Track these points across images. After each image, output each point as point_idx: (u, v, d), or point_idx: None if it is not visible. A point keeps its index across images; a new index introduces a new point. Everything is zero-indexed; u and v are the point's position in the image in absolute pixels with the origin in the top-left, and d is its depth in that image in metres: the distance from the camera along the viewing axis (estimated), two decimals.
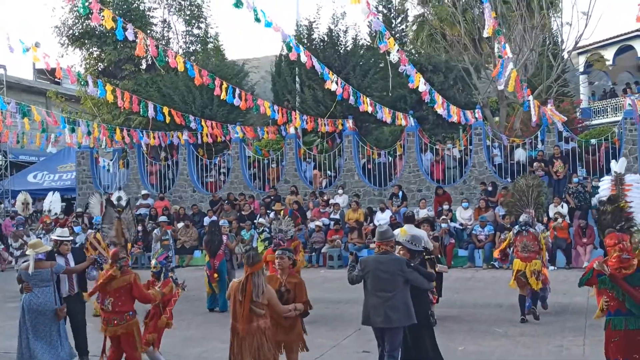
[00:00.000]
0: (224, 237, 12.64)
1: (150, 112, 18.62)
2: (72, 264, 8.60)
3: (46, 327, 7.90)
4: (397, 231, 11.01)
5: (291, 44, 14.05)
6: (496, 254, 11.90)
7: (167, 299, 8.27)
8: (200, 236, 18.56)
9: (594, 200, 16.90)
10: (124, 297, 7.46)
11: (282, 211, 17.13)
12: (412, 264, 7.23)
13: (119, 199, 14.85)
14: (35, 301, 7.85)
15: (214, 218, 18.66)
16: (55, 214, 18.28)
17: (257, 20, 12.74)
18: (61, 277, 8.41)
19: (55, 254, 8.44)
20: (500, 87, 15.11)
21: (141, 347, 7.71)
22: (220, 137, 22.26)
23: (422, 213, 17.85)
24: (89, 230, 13.83)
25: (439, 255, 11.48)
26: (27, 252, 8.20)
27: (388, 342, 6.94)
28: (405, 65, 13.92)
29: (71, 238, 9.03)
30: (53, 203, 18.19)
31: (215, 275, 12.03)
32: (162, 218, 17.28)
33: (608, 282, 6.41)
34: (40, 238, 13.19)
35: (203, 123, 20.76)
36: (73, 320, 8.60)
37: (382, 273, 6.88)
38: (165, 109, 19.18)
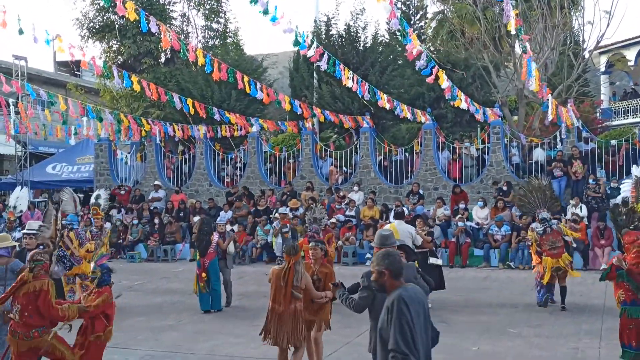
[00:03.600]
0: (215, 236, 11.97)
1: (177, 104, 18.77)
2: None
3: None
4: (386, 227, 11.24)
5: (299, 39, 14.01)
6: (537, 260, 11.67)
7: (100, 311, 6.93)
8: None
9: (613, 202, 16.81)
10: (31, 307, 6.33)
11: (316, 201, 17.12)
12: (420, 271, 6.66)
13: (98, 197, 14.16)
14: None
15: (227, 214, 18.70)
16: (21, 211, 17.40)
17: (266, 12, 12.70)
18: None
19: (26, 251, 7.79)
20: (531, 88, 14.96)
21: (71, 356, 6.67)
22: (237, 132, 22.33)
23: (439, 212, 17.86)
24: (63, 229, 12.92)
25: (433, 249, 12.04)
26: None
27: None
28: (421, 61, 13.86)
29: (38, 232, 8.15)
30: (20, 199, 17.09)
31: (204, 274, 11.52)
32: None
33: (625, 275, 7.08)
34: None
35: (228, 114, 20.86)
36: None
37: None
38: (190, 101, 19.33)
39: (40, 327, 6.39)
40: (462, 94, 16.62)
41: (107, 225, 16.94)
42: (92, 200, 13.57)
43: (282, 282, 7.06)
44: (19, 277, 6.53)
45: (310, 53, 14.48)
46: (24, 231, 8.13)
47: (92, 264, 7.54)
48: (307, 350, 7.52)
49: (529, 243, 12.39)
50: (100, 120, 20.80)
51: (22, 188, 17.52)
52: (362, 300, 5.79)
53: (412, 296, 4.38)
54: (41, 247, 7.73)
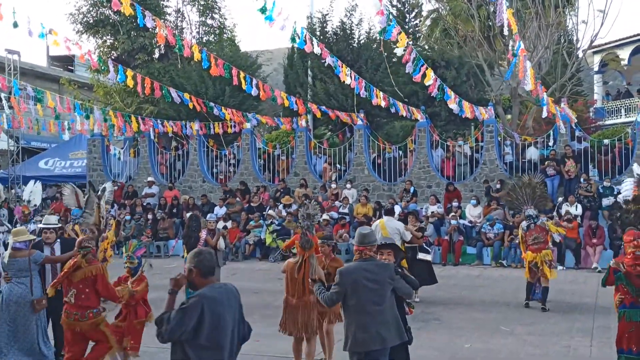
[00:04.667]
0: (204, 232, 11.70)
1: (175, 97, 18.72)
2: (58, 254, 8.01)
3: (25, 320, 7.42)
4: (376, 223, 11.33)
5: (296, 37, 13.98)
6: (525, 255, 11.74)
7: (140, 297, 7.72)
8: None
9: (605, 201, 16.90)
10: (87, 290, 6.91)
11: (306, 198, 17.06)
12: (399, 270, 6.33)
13: (104, 190, 14.47)
14: (14, 292, 7.40)
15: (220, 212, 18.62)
16: (35, 205, 17.65)
17: (263, 11, 12.60)
18: (46, 267, 7.93)
19: (43, 244, 8.01)
20: (528, 88, 14.95)
21: (115, 343, 7.21)
22: (231, 129, 22.29)
23: (432, 210, 17.90)
24: (68, 223, 12.85)
25: (423, 245, 12.20)
26: (8, 240, 7.76)
27: None
28: (409, 63, 13.86)
29: (56, 226, 8.41)
30: (33, 193, 17.23)
31: None
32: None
33: (623, 278, 6.82)
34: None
35: (224, 110, 20.81)
36: (54, 314, 7.91)
37: (369, 282, 5.75)
38: (187, 95, 19.26)
39: (95, 309, 6.96)
40: (453, 92, 16.61)
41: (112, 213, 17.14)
42: (99, 193, 13.84)
43: (297, 274, 7.39)
44: (72, 262, 6.95)
45: (317, 50, 14.45)
46: (42, 225, 8.31)
47: (126, 254, 8.16)
48: (319, 340, 7.87)
49: (517, 241, 12.58)
50: (87, 117, 20.77)
51: (35, 182, 17.82)
52: (333, 295, 5.91)
53: (215, 296, 4.47)
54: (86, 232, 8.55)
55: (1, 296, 7.57)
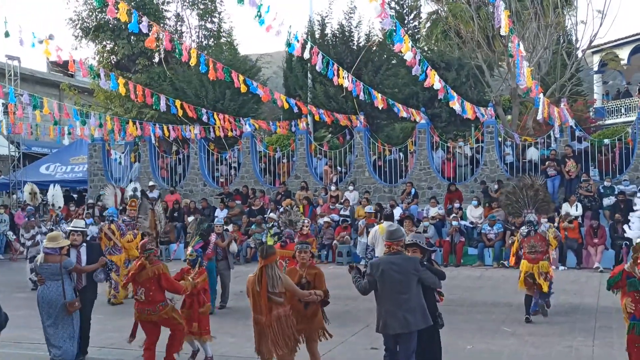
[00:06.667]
0: (213, 236, 11.79)
1: (162, 106, 18.70)
2: (84, 257, 8.42)
3: (62, 318, 7.84)
4: (375, 228, 11.27)
5: (290, 42, 13.98)
6: (512, 262, 11.67)
7: (201, 287, 8.59)
8: None
9: (606, 201, 16.91)
10: (154, 287, 7.59)
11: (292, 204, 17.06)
12: (424, 263, 6.81)
13: (135, 190, 15.16)
14: (47, 294, 7.79)
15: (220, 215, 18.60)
16: (59, 207, 18.04)
17: (259, 16, 12.58)
18: None
19: (70, 246, 8.35)
20: (522, 86, 14.90)
21: (184, 325, 7.91)
22: (231, 132, 22.32)
23: (433, 212, 17.90)
24: (103, 222, 13.72)
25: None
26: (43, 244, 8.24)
27: (404, 348, 6.48)
28: (415, 66, 13.83)
29: (84, 229, 8.89)
30: (55, 197, 17.84)
31: None
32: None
33: (637, 284, 6.35)
34: (52, 230, 13.26)
35: (215, 116, 20.82)
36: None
37: (396, 274, 6.42)
38: (178, 102, 19.25)
39: (163, 302, 7.65)
40: (455, 94, 16.64)
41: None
42: (130, 192, 15.37)
43: (258, 287, 6.42)
44: (138, 264, 7.67)
45: (306, 55, 14.44)
46: (71, 228, 8.75)
47: (189, 249, 9.21)
48: None
49: (511, 241, 12.00)
50: (83, 123, 20.84)
51: (55, 186, 18.25)
52: (366, 285, 6.62)
53: None
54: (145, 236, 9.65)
55: (37, 296, 7.99)
